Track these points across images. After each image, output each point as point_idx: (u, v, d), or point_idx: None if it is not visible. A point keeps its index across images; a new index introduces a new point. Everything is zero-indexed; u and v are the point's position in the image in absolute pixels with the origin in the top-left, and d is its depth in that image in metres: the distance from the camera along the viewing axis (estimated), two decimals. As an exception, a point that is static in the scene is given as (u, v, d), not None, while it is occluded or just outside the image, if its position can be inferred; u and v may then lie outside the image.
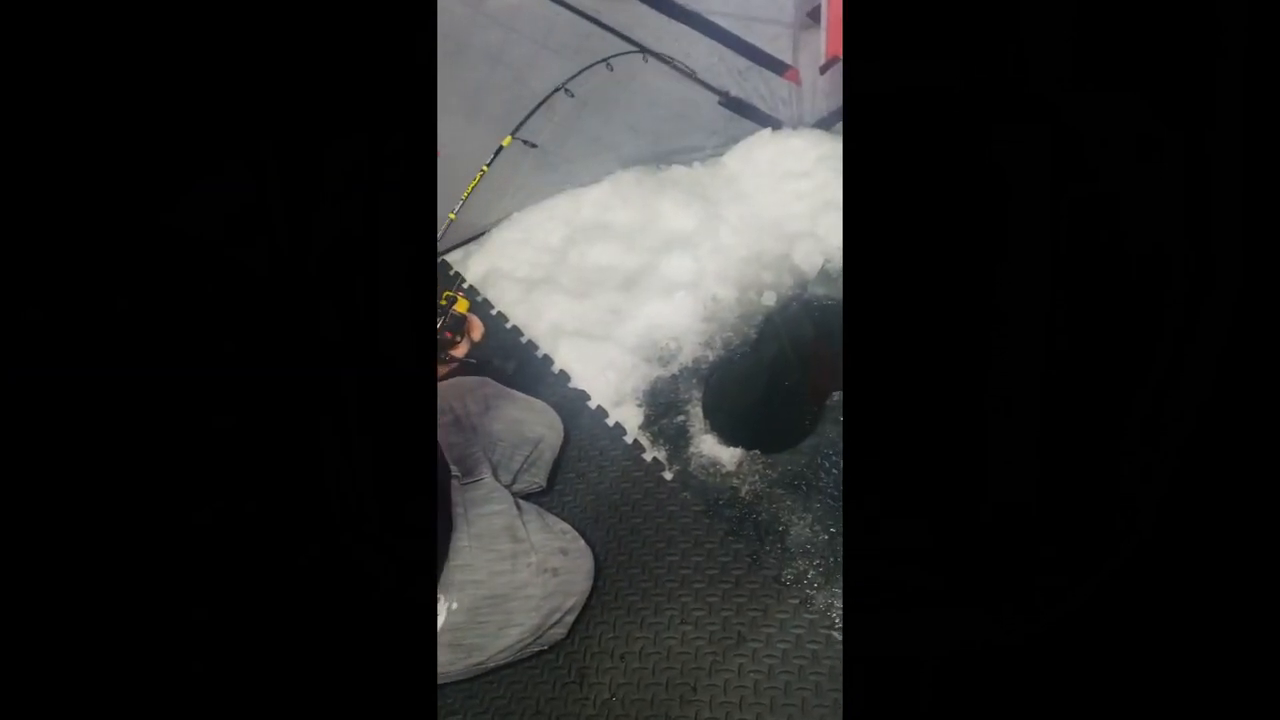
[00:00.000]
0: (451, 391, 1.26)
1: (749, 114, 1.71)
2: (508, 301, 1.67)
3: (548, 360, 1.54)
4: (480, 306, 1.67)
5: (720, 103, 1.68)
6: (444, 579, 0.99)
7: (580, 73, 1.39)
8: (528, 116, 1.21)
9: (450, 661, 0.99)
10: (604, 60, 1.40)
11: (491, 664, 1.05)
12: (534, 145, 1.22)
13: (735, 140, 1.75)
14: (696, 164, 1.78)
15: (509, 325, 1.63)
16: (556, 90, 1.25)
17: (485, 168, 1.14)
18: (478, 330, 1.00)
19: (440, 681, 1.06)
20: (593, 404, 1.45)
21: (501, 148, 1.14)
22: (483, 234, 1.77)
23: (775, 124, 1.72)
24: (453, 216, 1.08)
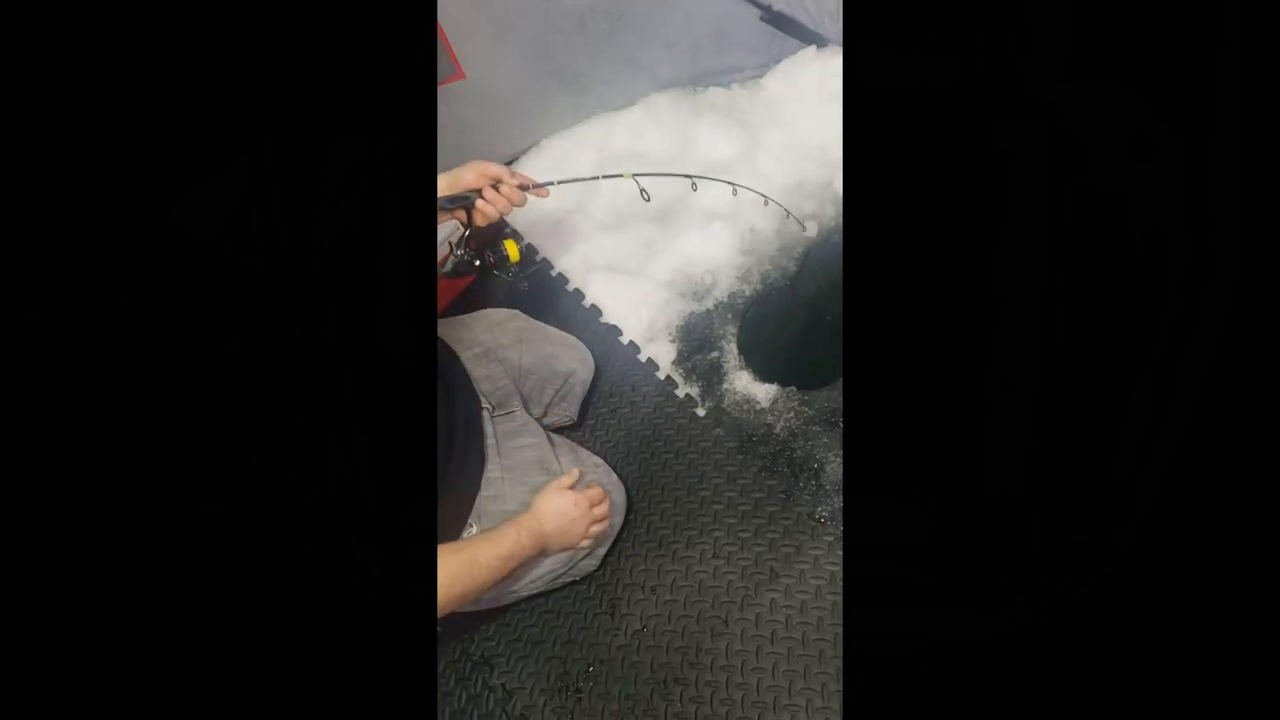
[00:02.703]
0: (481, 324, 1.24)
1: (793, 31, 1.60)
2: (537, 234, 1.62)
3: (579, 294, 1.51)
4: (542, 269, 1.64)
5: (762, 18, 1.57)
6: (476, 508, 0.99)
7: None
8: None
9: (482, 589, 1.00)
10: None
11: (525, 593, 1.07)
12: None
13: (777, 60, 1.64)
14: (735, 86, 1.68)
15: (539, 258, 1.59)
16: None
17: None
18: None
19: (476, 609, 1.08)
20: (625, 339, 1.42)
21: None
22: (511, 162, 1.71)
23: (821, 42, 1.60)
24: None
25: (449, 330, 1.20)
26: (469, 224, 1.02)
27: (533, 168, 1.69)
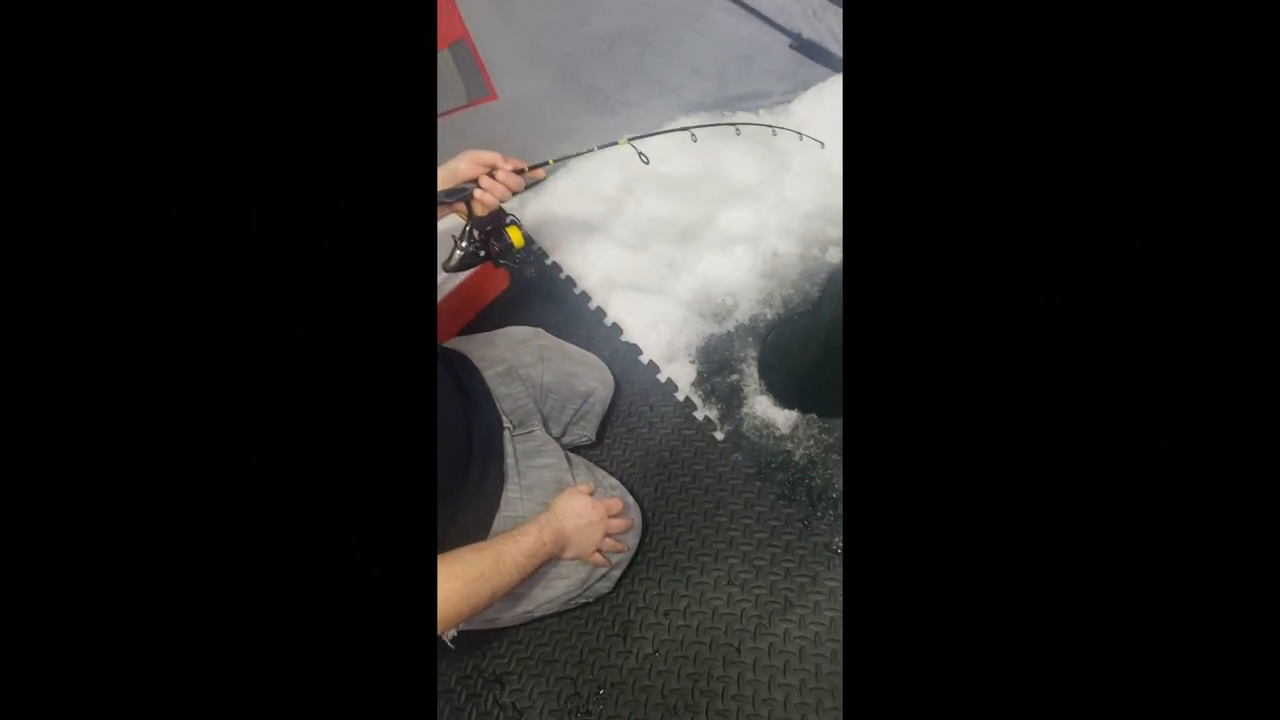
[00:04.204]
0: (504, 341, 1.25)
1: (821, 58, 1.61)
2: (561, 251, 1.64)
3: (600, 313, 1.52)
4: (539, 258, 1.65)
5: (791, 45, 1.58)
6: (495, 527, 1.00)
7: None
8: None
9: (499, 609, 1.00)
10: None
11: (538, 613, 1.07)
12: None
13: (805, 86, 1.65)
14: (763, 111, 1.69)
15: (563, 276, 1.61)
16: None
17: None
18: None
19: (489, 628, 1.09)
20: (644, 359, 1.42)
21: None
22: (535, 182, 1.74)
23: (849, 69, 1.61)
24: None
25: (472, 347, 1.21)
26: (470, 215, 1.01)
27: (558, 186, 1.71)
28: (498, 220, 1.07)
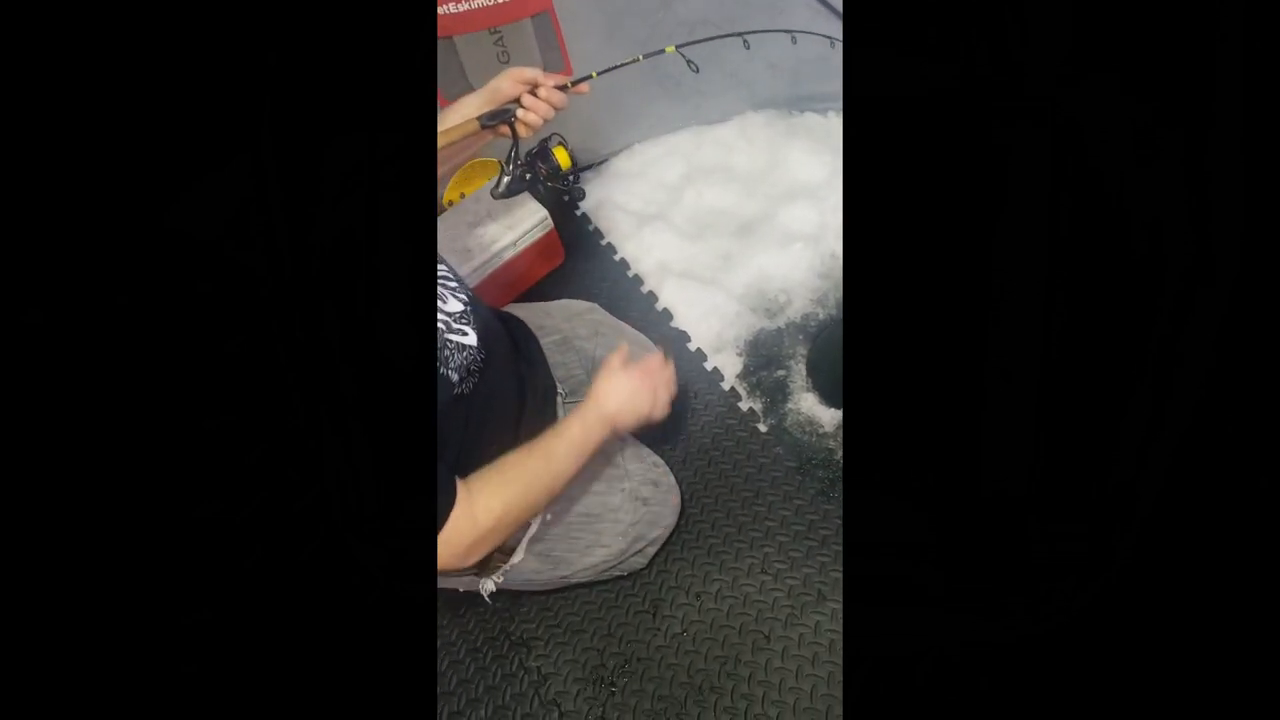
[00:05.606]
0: (560, 312, 1.27)
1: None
2: (618, 234, 1.65)
3: (651, 297, 1.53)
4: (589, 233, 1.67)
5: (869, 50, 1.58)
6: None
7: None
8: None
9: (537, 570, 1.02)
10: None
11: (574, 580, 1.08)
12: None
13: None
14: (831, 114, 1.69)
15: (617, 258, 1.62)
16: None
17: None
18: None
19: (526, 589, 1.10)
20: (692, 346, 1.43)
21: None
22: (601, 162, 1.75)
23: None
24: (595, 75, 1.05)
25: (530, 315, 1.23)
26: (514, 138, 0.98)
27: (623, 170, 1.72)
28: (543, 141, 1.05)
